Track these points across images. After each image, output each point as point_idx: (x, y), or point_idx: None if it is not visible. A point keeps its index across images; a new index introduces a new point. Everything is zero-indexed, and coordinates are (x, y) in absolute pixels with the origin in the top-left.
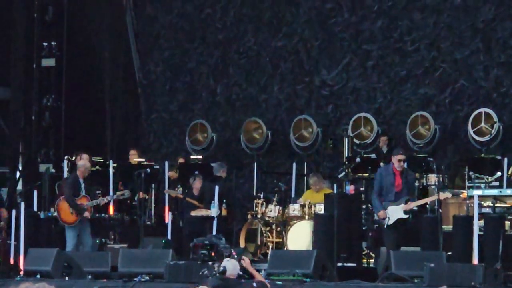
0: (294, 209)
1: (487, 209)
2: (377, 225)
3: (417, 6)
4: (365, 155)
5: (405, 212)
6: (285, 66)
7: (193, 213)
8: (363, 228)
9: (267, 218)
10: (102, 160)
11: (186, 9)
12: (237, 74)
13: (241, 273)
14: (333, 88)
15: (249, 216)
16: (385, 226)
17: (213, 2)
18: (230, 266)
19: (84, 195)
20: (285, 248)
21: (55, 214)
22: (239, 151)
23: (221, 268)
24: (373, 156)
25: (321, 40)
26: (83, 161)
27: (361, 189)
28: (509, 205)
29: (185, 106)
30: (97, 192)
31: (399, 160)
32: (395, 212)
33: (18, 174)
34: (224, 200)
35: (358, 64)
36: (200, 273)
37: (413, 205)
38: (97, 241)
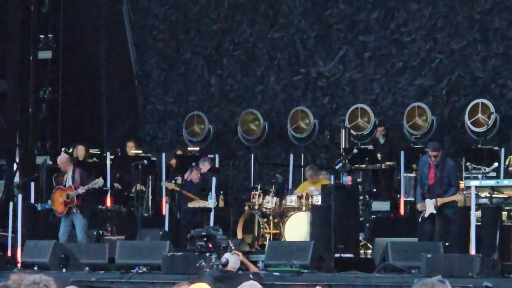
0: (291, 200)
1: (484, 199)
2: (374, 216)
3: None
4: (362, 146)
5: (435, 208)
6: (281, 57)
7: (190, 205)
8: (360, 219)
9: (264, 210)
10: (99, 152)
11: (181, 0)
12: (232, 66)
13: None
14: (330, 79)
15: (246, 208)
16: (420, 220)
17: None
18: (233, 259)
19: (70, 185)
20: (282, 240)
21: (51, 206)
22: (234, 142)
23: (224, 260)
24: (370, 147)
25: (317, 31)
26: (59, 157)
27: (358, 180)
28: (506, 196)
29: (180, 98)
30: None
31: (430, 156)
32: (429, 207)
33: (15, 166)
34: (222, 192)
35: (354, 55)
36: (198, 265)
37: (440, 201)
38: (94, 232)
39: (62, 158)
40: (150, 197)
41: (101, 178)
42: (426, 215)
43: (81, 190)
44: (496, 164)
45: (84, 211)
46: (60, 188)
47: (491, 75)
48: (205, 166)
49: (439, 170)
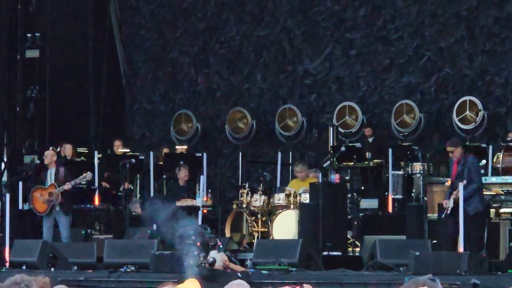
0: (279, 198)
1: None
2: (362, 214)
3: None
4: (350, 144)
5: (454, 201)
6: (267, 55)
7: (178, 203)
8: (349, 217)
9: (252, 208)
10: (87, 151)
11: None
12: (218, 64)
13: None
14: (316, 77)
15: (234, 206)
16: (442, 216)
17: None
18: (219, 257)
19: (52, 183)
20: (270, 238)
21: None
22: (221, 141)
23: (211, 259)
24: (358, 145)
25: (304, 29)
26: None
27: (346, 178)
28: (494, 193)
29: (167, 96)
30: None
31: (448, 152)
32: (450, 202)
33: (3, 165)
34: (210, 190)
35: (341, 52)
36: (186, 263)
37: (455, 194)
38: (83, 231)
39: (50, 152)
40: (139, 195)
41: (89, 172)
42: (449, 211)
43: (67, 186)
44: (484, 162)
45: (66, 208)
46: (40, 188)
47: (478, 72)
48: (182, 173)
49: (460, 166)
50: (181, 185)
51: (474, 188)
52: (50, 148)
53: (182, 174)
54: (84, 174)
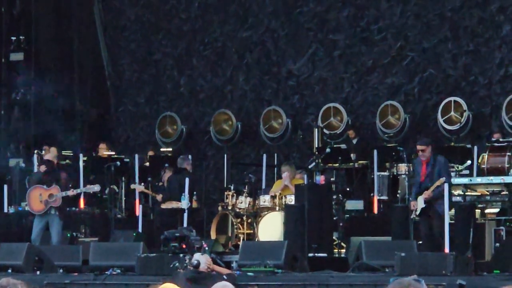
0: (265, 200)
1: (458, 197)
2: (347, 215)
3: None
4: (335, 145)
5: (425, 201)
6: (251, 56)
7: (163, 206)
8: (334, 218)
9: (237, 210)
10: (71, 154)
11: (151, 0)
12: (202, 66)
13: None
14: (299, 78)
15: (219, 208)
16: (411, 218)
17: None
18: (203, 259)
19: (55, 186)
20: (256, 240)
21: (26, 205)
22: (205, 143)
23: (195, 262)
24: (343, 146)
25: (287, 30)
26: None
27: (332, 179)
28: (480, 194)
29: (151, 99)
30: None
31: (418, 151)
32: (420, 203)
33: None
34: (195, 192)
35: (324, 53)
36: (171, 265)
37: (427, 193)
38: (68, 234)
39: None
40: (124, 198)
41: (98, 184)
42: (418, 212)
43: (72, 192)
44: (469, 162)
45: (62, 213)
46: (40, 187)
47: (462, 73)
48: (166, 176)
49: (430, 166)
50: (163, 187)
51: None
52: (35, 152)
53: (167, 177)
54: (92, 185)
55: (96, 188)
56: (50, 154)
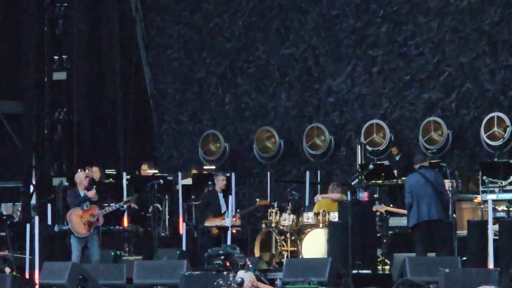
0: (308, 217)
1: (502, 213)
2: (391, 232)
3: (421, 10)
4: (378, 162)
5: None
6: (293, 73)
7: (207, 223)
8: (378, 234)
9: (281, 227)
10: (115, 173)
11: (194, 19)
12: (246, 83)
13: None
14: (339, 94)
15: (263, 225)
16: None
17: (221, 11)
18: (247, 277)
19: (92, 205)
20: (300, 257)
21: (68, 226)
22: (249, 160)
23: (239, 279)
24: (386, 162)
25: (327, 46)
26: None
27: (375, 195)
28: None
29: (195, 117)
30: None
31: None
32: None
33: (31, 188)
34: (238, 210)
35: (363, 69)
36: (215, 283)
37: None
38: (112, 253)
39: (81, 174)
40: (167, 216)
41: (131, 197)
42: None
43: (110, 208)
44: None
45: (98, 230)
46: (77, 209)
47: (500, 87)
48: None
49: None
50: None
51: (447, 200)
52: (79, 170)
53: None
54: (128, 198)
55: (131, 200)
56: (94, 173)
